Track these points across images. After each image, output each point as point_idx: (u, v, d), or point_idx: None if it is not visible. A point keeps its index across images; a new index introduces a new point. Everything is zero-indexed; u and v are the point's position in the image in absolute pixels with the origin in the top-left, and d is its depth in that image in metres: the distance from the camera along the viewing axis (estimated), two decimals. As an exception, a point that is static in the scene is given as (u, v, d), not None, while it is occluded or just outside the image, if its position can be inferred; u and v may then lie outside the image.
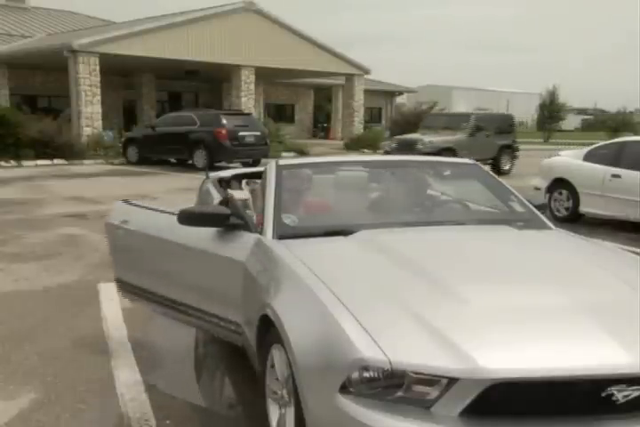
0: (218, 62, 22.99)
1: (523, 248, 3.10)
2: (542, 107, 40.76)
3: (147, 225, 3.67)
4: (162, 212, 3.69)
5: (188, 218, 3.18)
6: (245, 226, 3.23)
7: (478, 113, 19.14)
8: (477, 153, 14.53)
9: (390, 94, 37.63)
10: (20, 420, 3.04)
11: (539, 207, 3.75)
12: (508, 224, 3.39)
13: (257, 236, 3.14)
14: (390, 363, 1.96)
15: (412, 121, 26.62)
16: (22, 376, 3.51)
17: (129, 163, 17.84)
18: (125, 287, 3.94)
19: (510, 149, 17.04)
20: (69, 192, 11.49)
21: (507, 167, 16.76)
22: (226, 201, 3.50)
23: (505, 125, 17.55)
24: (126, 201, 4.02)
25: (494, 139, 16.56)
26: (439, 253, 2.91)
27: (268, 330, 2.55)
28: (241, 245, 3.12)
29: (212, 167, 13.20)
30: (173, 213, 3.46)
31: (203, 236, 3.28)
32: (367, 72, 28.58)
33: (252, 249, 3.07)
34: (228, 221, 3.19)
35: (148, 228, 3.65)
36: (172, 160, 17.95)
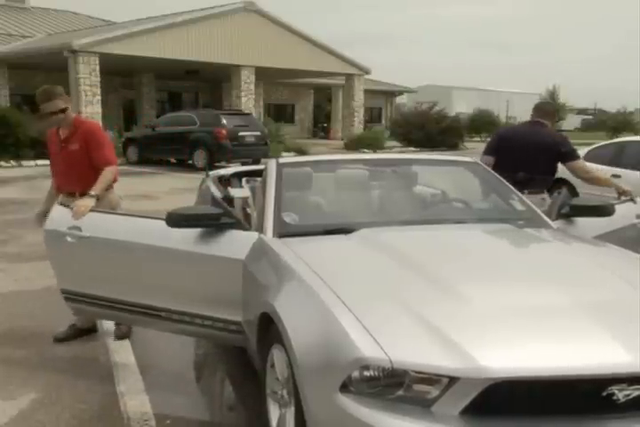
0: (218, 62, 22.97)
1: (523, 247, 3.09)
2: (542, 107, 40.66)
3: (112, 231, 3.38)
4: (122, 215, 3.51)
5: (177, 220, 3.07)
6: (237, 224, 3.20)
7: None
8: None
9: (390, 94, 37.65)
10: (20, 420, 3.03)
11: None
12: (508, 223, 3.38)
13: (257, 234, 3.14)
14: (391, 362, 1.96)
15: (413, 121, 26.69)
16: (22, 376, 3.50)
17: (129, 163, 17.82)
18: (78, 298, 3.58)
19: None
20: (69, 192, 11.44)
21: None
22: (216, 201, 3.46)
23: None
24: (66, 206, 3.63)
25: None
26: (440, 251, 2.90)
27: (268, 329, 2.54)
28: (238, 244, 3.09)
29: (211, 167, 13.19)
30: (140, 216, 3.42)
31: (190, 237, 3.14)
32: (367, 72, 28.57)
33: (251, 247, 3.06)
34: (220, 220, 3.13)
35: (114, 233, 3.36)
36: (172, 160, 17.95)
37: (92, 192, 3.70)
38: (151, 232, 3.25)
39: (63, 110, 3.93)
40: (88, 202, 3.62)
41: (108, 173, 3.89)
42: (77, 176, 3.96)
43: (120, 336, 4.10)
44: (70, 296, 3.61)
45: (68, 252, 3.52)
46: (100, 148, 3.97)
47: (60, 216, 3.57)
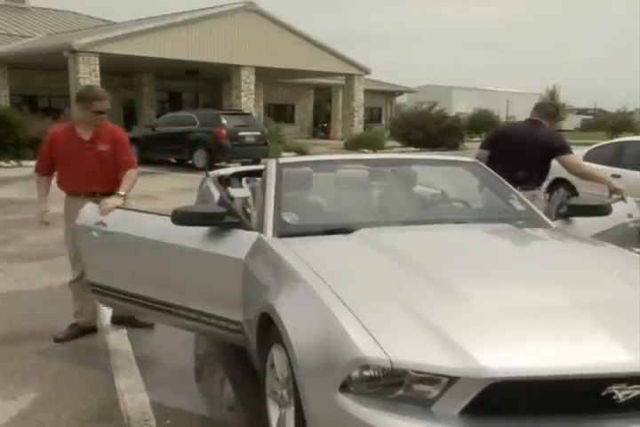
0: (218, 62, 22.98)
1: (523, 247, 3.09)
2: (542, 107, 40.63)
3: (130, 226, 3.51)
4: (143, 213, 3.61)
5: (182, 218, 3.12)
6: (241, 224, 3.21)
7: None
8: None
9: (390, 94, 37.67)
10: (20, 420, 3.03)
11: None
12: (508, 223, 3.38)
13: (257, 234, 3.14)
14: (391, 362, 1.96)
15: (413, 121, 26.69)
16: (23, 376, 3.51)
17: (129, 163, 17.80)
18: (102, 291, 3.72)
19: None
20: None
21: None
22: (222, 200, 3.49)
23: None
24: (97, 202, 3.80)
25: None
26: (440, 251, 2.90)
27: (268, 329, 2.54)
28: (239, 244, 3.10)
29: (211, 167, 13.20)
30: (158, 214, 3.47)
31: (196, 235, 3.20)
32: (367, 72, 28.57)
33: (251, 247, 3.06)
34: (224, 219, 3.15)
35: (132, 229, 3.49)
36: (172, 160, 17.95)
37: (122, 192, 3.86)
38: (162, 229, 3.31)
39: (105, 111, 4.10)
40: (116, 200, 3.77)
41: (133, 175, 4.06)
42: (104, 176, 4.05)
43: (143, 324, 4.24)
44: (96, 289, 3.76)
45: (94, 246, 3.70)
46: (126, 150, 4.18)
47: (89, 212, 3.74)
